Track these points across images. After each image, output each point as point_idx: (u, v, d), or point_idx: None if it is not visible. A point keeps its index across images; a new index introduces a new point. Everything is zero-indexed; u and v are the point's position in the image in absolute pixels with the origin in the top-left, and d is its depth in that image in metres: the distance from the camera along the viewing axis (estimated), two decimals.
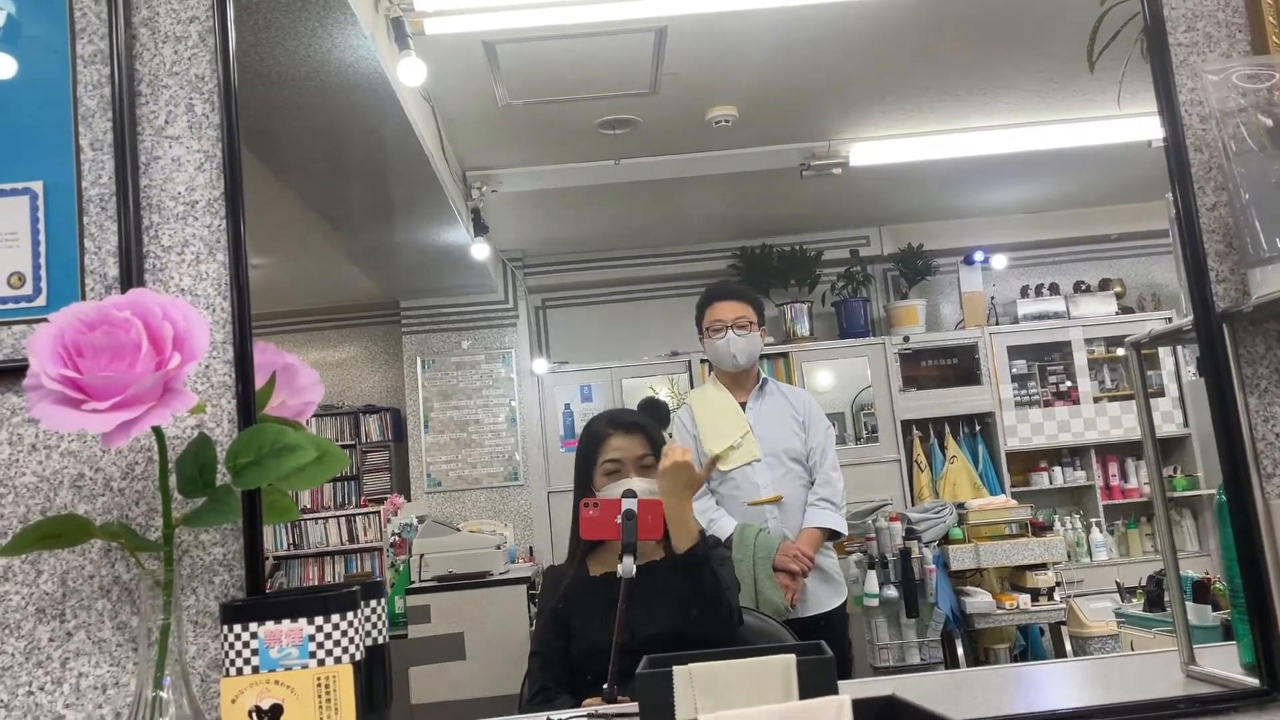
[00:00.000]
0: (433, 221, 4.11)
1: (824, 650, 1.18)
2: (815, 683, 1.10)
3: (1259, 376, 1.11)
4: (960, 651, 3.93)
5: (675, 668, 1.14)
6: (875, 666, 3.95)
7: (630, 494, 1.64)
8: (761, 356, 5.19)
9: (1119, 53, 1.43)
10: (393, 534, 4.56)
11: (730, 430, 2.86)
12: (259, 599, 1.00)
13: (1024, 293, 5.41)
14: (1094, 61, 1.59)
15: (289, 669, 0.91)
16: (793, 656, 1.12)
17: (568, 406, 5.22)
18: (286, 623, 0.92)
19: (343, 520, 5.43)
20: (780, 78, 3.56)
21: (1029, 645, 4.27)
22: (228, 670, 0.91)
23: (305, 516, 5.46)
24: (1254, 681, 1.07)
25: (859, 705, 0.91)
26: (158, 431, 0.95)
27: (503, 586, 4.05)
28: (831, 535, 2.86)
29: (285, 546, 5.40)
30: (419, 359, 5.41)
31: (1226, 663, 1.13)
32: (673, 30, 3.14)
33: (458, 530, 4.50)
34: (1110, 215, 4.92)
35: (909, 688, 1.45)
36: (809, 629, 2.65)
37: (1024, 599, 4.08)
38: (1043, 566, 4.13)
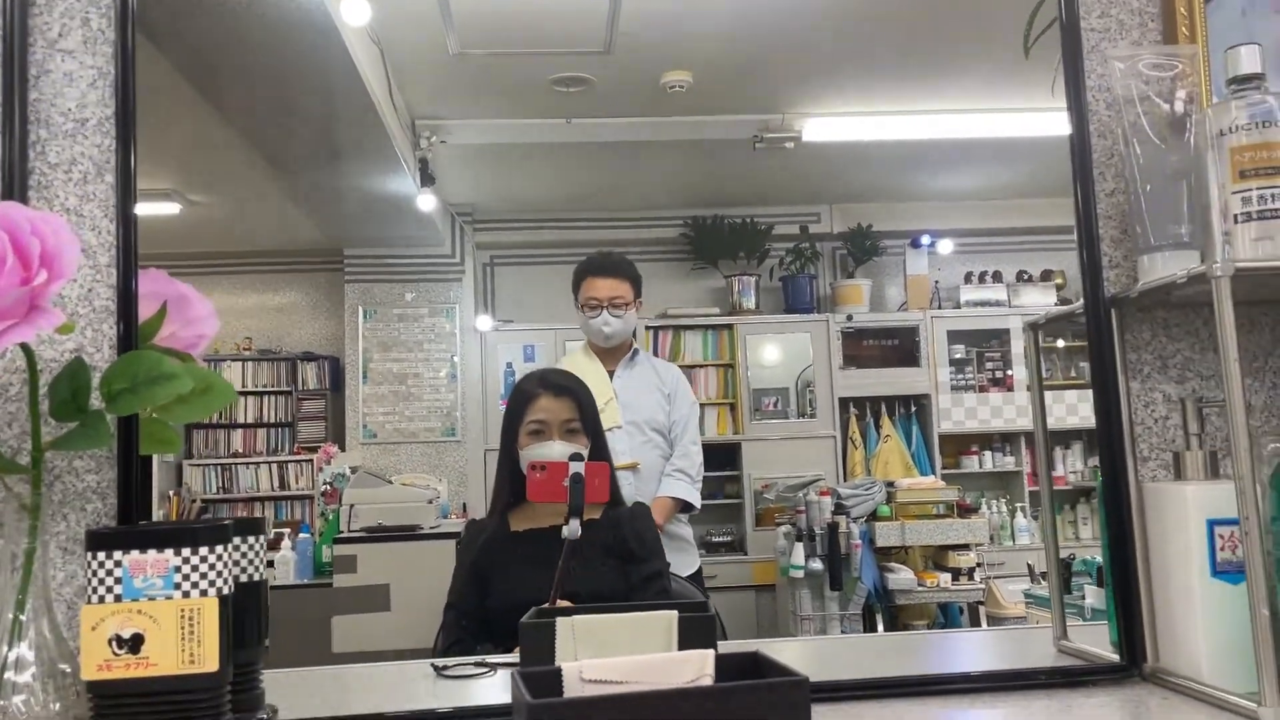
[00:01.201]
0: (378, 168, 4.05)
1: (707, 608, 1.20)
2: (695, 639, 1.11)
3: (1142, 362, 1.13)
4: (880, 626, 4.00)
5: (559, 619, 1.15)
6: (796, 637, 4.01)
7: (578, 457, 1.64)
8: (705, 327, 5.26)
9: (1055, 41, 1.44)
10: (324, 483, 4.51)
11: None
12: (126, 528, 0.98)
13: (967, 279, 5.48)
14: (1029, 47, 1.60)
15: (153, 599, 0.90)
16: (674, 613, 1.13)
17: (510, 365, 5.20)
18: (152, 553, 0.91)
19: (275, 466, 5.38)
20: (736, 46, 3.54)
21: (948, 623, 4.36)
22: (90, 598, 0.89)
23: (236, 460, 5.40)
24: (1116, 658, 1.10)
25: (724, 659, 0.92)
26: (28, 352, 0.93)
27: (432, 541, 4.03)
28: (685, 507, 2.89)
29: (215, 490, 5.34)
30: (361, 308, 5.35)
31: (1101, 640, 1.16)
32: None
33: (389, 483, 4.47)
34: (1055, 207, 4.88)
35: (791, 650, 1.48)
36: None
37: (945, 578, 4.16)
38: (965, 547, 4.21)
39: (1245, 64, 0.98)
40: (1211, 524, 1.01)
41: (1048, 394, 1.24)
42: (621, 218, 5.34)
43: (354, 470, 4.62)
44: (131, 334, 1.02)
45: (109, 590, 0.90)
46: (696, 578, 2.95)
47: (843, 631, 4.03)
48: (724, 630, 2.13)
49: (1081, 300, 1.11)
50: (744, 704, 0.83)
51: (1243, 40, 1.03)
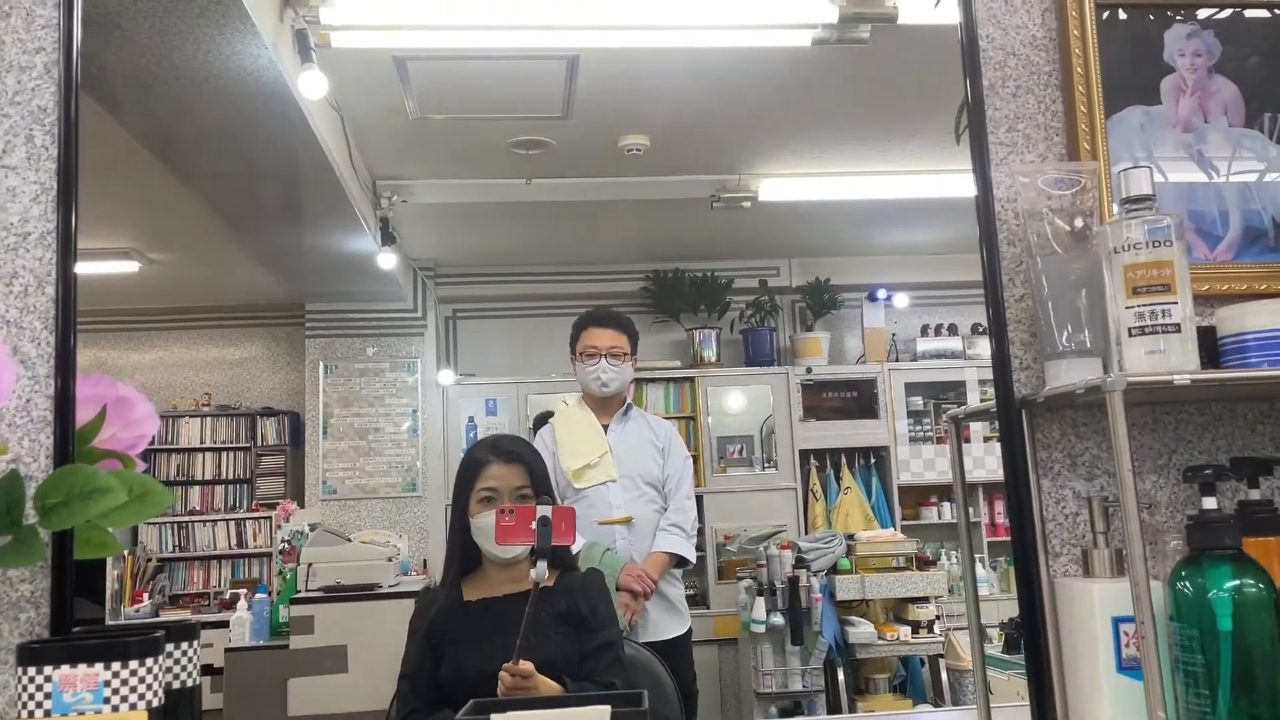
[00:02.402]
0: (339, 228, 4.08)
1: (641, 701, 1.22)
2: None
3: (1053, 460, 1.18)
4: (842, 680, 4.01)
5: (494, 716, 1.17)
6: (759, 693, 4.02)
7: (546, 501, 1.66)
8: (667, 380, 5.30)
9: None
10: (282, 541, 4.47)
11: (589, 449, 2.92)
12: (56, 642, 1.00)
13: (923, 331, 5.57)
14: (959, 135, 1.67)
15: (82, 714, 0.92)
16: (607, 708, 1.16)
17: (471, 419, 5.20)
18: (82, 667, 0.92)
19: (232, 524, 5.33)
20: (690, 111, 3.62)
21: (909, 675, 4.37)
22: (19, 713, 0.91)
23: (193, 518, 5.34)
24: None
25: None
26: None
27: (391, 600, 4.01)
28: (680, 562, 2.91)
29: (170, 549, 5.28)
30: (322, 363, 5.34)
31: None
32: (585, 59, 3.18)
33: (349, 540, 4.44)
34: None
35: None
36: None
37: (905, 631, 4.17)
38: (925, 600, 4.24)
39: (1136, 185, 1.04)
40: (1116, 621, 1.06)
41: (999, 445, 1.26)
42: (583, 272, 5.39)
43: (313, 527, 4.59)
44: (69, 442, 1.04)
45: (38, 705, 0.91)
46: (686, 639, 2.96)
47: (804, 686, 4.03)
48: (680, 693, 2.14)
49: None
50: None
51: (1142, 154, 1.09)
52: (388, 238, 4.19)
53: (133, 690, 0.93)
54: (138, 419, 1.20)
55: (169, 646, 1.04)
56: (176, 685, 1.03)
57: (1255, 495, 1.09)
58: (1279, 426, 1.21)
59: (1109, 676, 1.05)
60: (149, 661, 0.95)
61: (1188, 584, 0.99)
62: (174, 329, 5.56)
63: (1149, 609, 0.95)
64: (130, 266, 4.60)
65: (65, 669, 0.92)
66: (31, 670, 0.91)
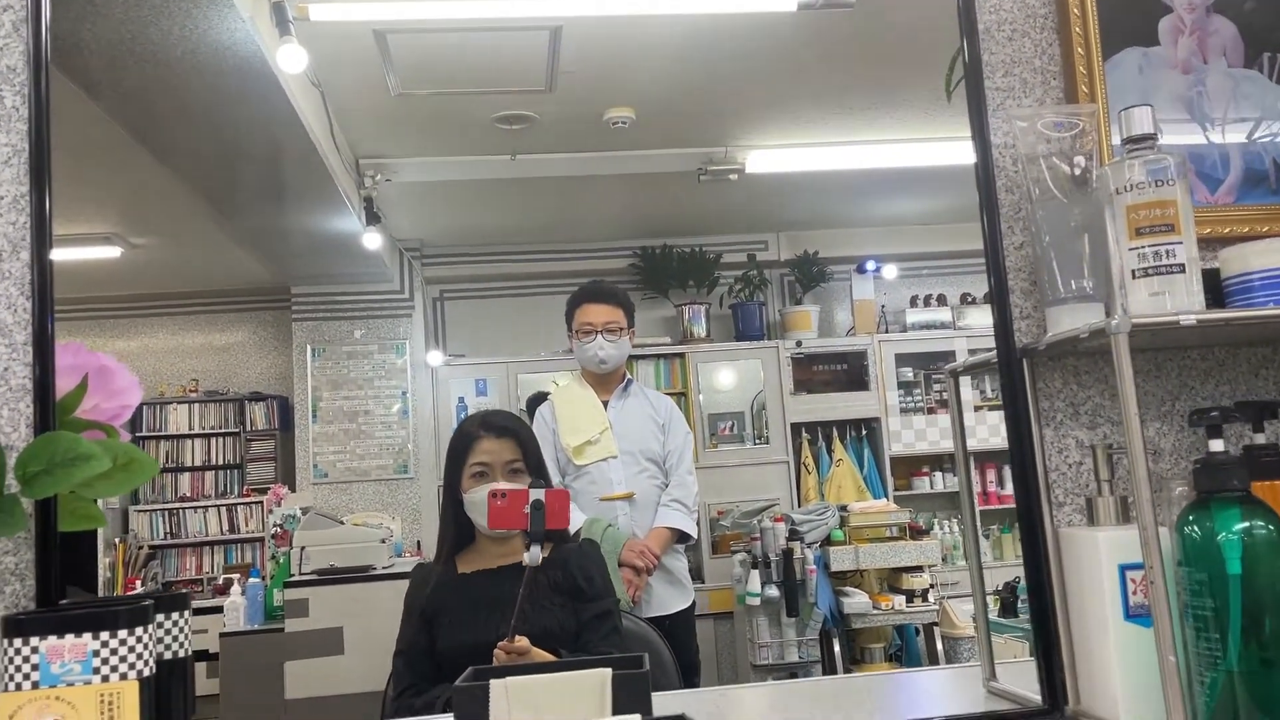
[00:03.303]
0: (322, 209, 4.04)
1: (642, 664, 1.21)
2: (629, 697, 1.12)
3: (1055, 410, 1.16)
4: (837, 650, 4.02)
5: (492, 681, 1.15)
6: (755, 665, 4.02)
7: (539, 484, 1.65)
8: (657, 356, 5.28)
9: None
10: (274, 525, 4.45)
11: (589, 426, 2.90)
12: (42, 613, 0.97)
13: (913, 302, 5.56)
14: (950, 92, 1.65)
15: (71, 684, 0.89)
16: (608, 671, 1.14)
17: (462, 400, 5.17)
18: (70, 638, 0.90)
19: (224, 510, 5.30)
20: (676, 83, 3.58)
21: (905, 644, 4.39)
22: (6, 685, 0.88)
23: (184, 505, 5.31)
24: (1038, 700, 1.13)
25: None
26: None
27: (385, 581, 3.99)
28: (681, 537, 2.90)
29: (162, 535, 5.25)
30: (309, 347, 5.30)
31: (1032, 677, 1.17)
32: (568, 30, 3.14)
33: (341, 523, 4.42)
34: None
35: (726, 700, 1.49)
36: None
37: (900, 600, 4.18)
38: (918, 569, 4.25)
39: (1137, 125, 1.02)
40: (1123, 569, 1.04)
41: (995, 414, 1.26)
42: (571, 249, 5.36)
43: (305, 511, 4.56)
44: (49, 412, 1.02)
45: (25, 677, 0.89)
46: (690, 612, 2.95)
47: (800, 657, 4.04)
48: (680, 665, 2.13)
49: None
50: None
51: (1140, 97, 1.07)
52: (372, 217, 4.15)
53: (122, 660, 0.91)
54: (120, 389, 1.18)
55: (159, 617, 1.01)
56: (168, 655, 1.01)
57: (1260, 439, 1.08)
58: None
59: (1116, 625, 1.04)
60: (138, 631, 0.92)
61: (1195, 528, 0.98)
62: (159, 315, 5.50)
63: (1157, 553, 0.94)
64: (112, 252, 4.55)
65: (52, 640, 0.90)
66: (18, 642, 0.89)
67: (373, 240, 4.28)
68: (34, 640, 0.89)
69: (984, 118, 1.10)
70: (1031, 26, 1.18)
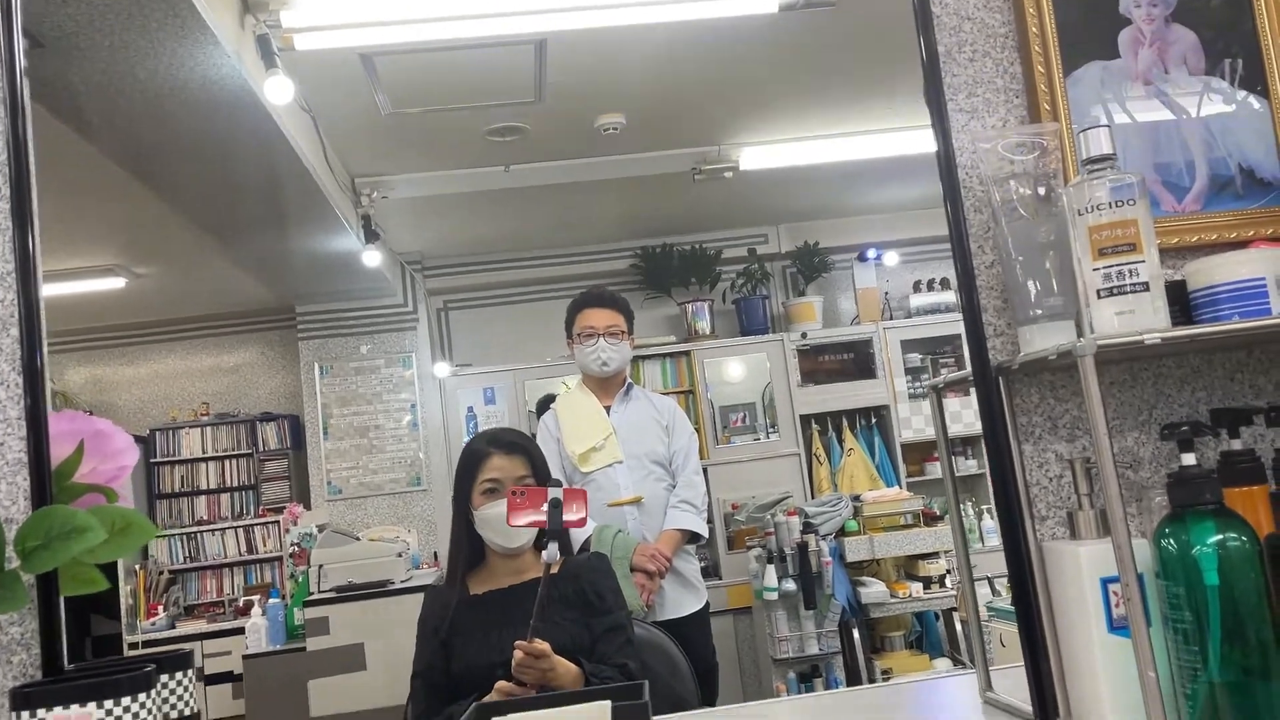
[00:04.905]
0: (321, 230, 4.07)
1: (641, 694, 1.23)
2: None
3: (1033, 425, 1.17)
4: (857, 640, 4.03)
5: (494, 718, 1.18)
6: (776, 659, 4.04)
7: (556, 483, 1.67)
8: (663, 355, 5.29)
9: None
10: (292, 544, 4.50)
11: (593, 433, 2.92)
12: (47, 683, 1.00)
13: (916, 287, 5.56)
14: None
15: None
16: (607, 704, 1.16)
17: (471, 410, 5.21)
18: (75, 708, 0.93)
19: (241, 531, 5.35)
20: (664, 86, 3.59)
21: (924, 630, 4.40)
22: None
23: (201, 528, 5.36)
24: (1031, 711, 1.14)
25: None
26: None
27: (404, 595, 4.03)
28: (692, 538, 2.91)
29: (182, 559, 5.30)
30: (317, 365, 5.34)
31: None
32: (553, 42, 3.16)
33: (357, 539, 4.46)
34: None
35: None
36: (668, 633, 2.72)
37: (917, 587, 4.19)
38: (934, 555, 4.25)
39: (1095, 146, 1.03)
40: (1105, 582, 1.06)
41: None
42: (571, 253, 5.38)
43: (321, 528, 4.61)
44: (45, 482, 1.04)
45: None
46: (704, 614, 2.97)
47: (820, 649, 4.06)
48: (696, 667, 2.15)
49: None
50: None
51: (1101, 113, 1.08)
52: (370, 235, 4.18)
53: None
54: (116, 450, 1.20)
55: (164, 677, 1.04)
56: (174, 715, 1.04)
57: (1237, 445, 1.09)
58: (1258, 374, 1.20)
59: (1101, 637, 1.05)
60: (141, 696, 0.95)
61: (1172, 541, 0.99)
62: (166, 341, 5.56)
63: (1132, 570, 0.95)
64: (116, 283, 4.60)
65: (59, 711, 0.92)
66: (25, 714, 0.92)
67: (372, 258, 4.31)
68: (40, 712, 0.92)
69: (949, 144, 1.11)
70: (992, 46, 1.19)
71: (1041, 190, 1.09)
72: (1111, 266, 1.01)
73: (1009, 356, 1.15)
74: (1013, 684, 1.22)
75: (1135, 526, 1.09)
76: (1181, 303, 1.07)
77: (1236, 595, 0.96)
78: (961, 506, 4.89)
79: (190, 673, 1.07)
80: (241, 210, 3.84)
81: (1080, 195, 1.03)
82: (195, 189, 3.55)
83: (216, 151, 3.18)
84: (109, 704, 0.93)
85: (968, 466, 5.35)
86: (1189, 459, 1.00)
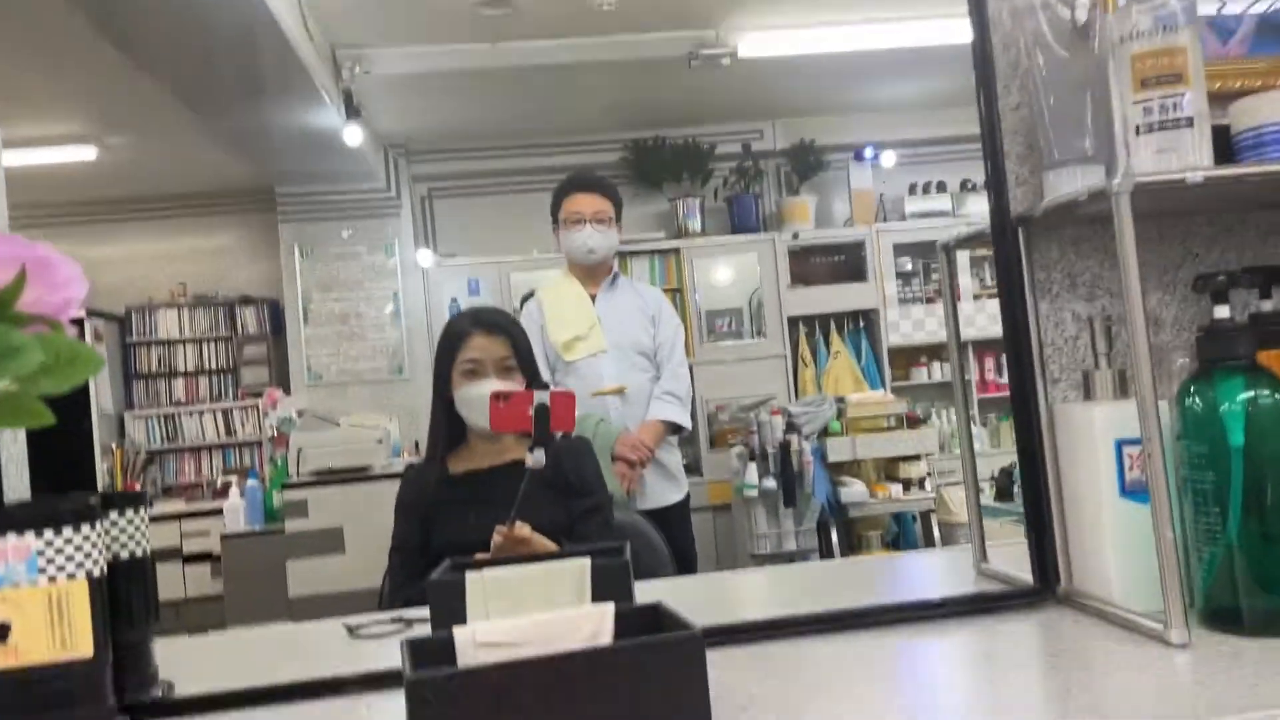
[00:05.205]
0: (300, 103, 3.90)
1: (622, 553, 1.18)
2: (609, 586, 1.09)
3: (1051, 281, 1.10)
4: (835, 539, 4.05)
5: (468, 574, 1.12)
6: (754, 554, 4.06)
7: (543, 386, 1.60)
8: (651, 253, 5.19)
9: None
10: (271, 428, 4.45)
11: (577, 321, 2.85)
12: None
13: (911, 190, 5.44)
14: None
15: (17, 586, 0.86)
16: (586, 561, 1.11)
17: (454, 300, 5.11)
18: (12, 537, 0.86)
19: (219, 414, 5.30)
20: None
21: (901, 531, 4.43)
22: None
23: (179, 409, 5.30)
24: (1031, 580, 1.09)
25: (625, 612, 0.89)
26: None
27: (384, 481, 4.00)
28: (675, 430, 2.88)
29: (159, 441, 5.25)
30: (297, 248, 5.21)
31: (1025, 559, 1.13)
32: None
33: (337, 425, 4.42)
34: None
35: (717, 586, 1.47)
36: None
37: (896, 489, 4.20)
38: (916, 458, 4.25)
39: None
40: (1120, 444, 1.00)
41: (994, 302, 1.20)
42: (560, 143, 5.22)
43: (301, 414, 4.56)
44: None
45: None
46: (684, 505, 2.95)
47: (798, 546, 4.07)
48: (675, 557, 2.12)
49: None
50: (637, 662, 0.81)
51: None
52: (352, 111, 4.02)
53: (69, 560, 0.87)
54: (63, 280, 1.10)
55: (114, 514, 0.97)
56: (125, 555, 0.97)
57: (1268, 306, 1.02)
58: None
59: (1112, 501, 1.00)
60: (85, 529, 0.88)
61: (1197, 399, 0.93)
62: (142, 219, 5.41)
63: (1156, 425, 0.89)
64: (88, 153, 4.44)
65: None
66: None
67: (354, 136, 4.15)
68: None
69: None
70: None
71: (1078, 17, 0.99)
72: (1154, 100, 0.92)
73: (1030, 206, 1.07)
74: (1002, 563, 1.18)
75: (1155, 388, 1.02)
76: (1224, 150, 0.99)
77: (1262, 457, 0.90)
78: (945, 413, 4.86)
79: (143, 512, 1.00)
80: (218, 80, 3.67)
81: (1124, 21, 0.94)
82: (168, 53, 3.38)
83: (192, 15, 3.01)
84: (49, 534, 0.86)
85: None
86: (1222, 312, 0.93)
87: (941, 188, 5.45)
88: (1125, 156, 0.95)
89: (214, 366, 5.39)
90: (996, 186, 1.04)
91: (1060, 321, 1.10)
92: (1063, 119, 1.01)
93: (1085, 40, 1.02)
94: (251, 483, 4.10)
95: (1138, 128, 0.94)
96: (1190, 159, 0.92)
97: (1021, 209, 1.07)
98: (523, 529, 1.59)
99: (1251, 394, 0.91)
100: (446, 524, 1.81)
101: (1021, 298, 1.05)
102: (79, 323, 1.08)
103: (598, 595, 1.08)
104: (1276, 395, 0.91)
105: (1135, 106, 0.93)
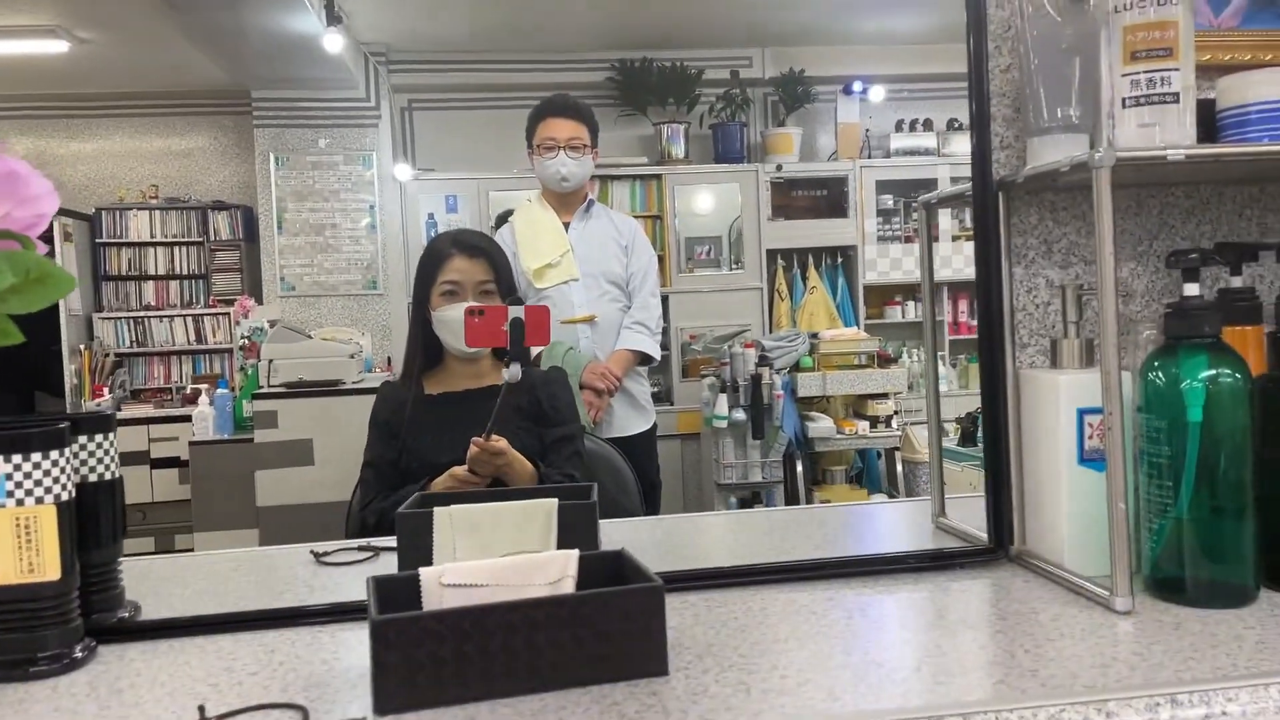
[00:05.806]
0: (280, 6, 3.78)
1: (589, 495, 1.19)
2: (576, 526, 1.11)
3: (1028, 247, 1.10)
4: (800, 471, 4.11)
5: (436, 509, 1.13)
6: (720, 484, 4.12)
7: (517, 301, 1.59)
8: (633, 178, 5.14)
9: None
10: (242, 337, 4.41)
11: (549, 249, 2.83)
12: None
13: (898, 127, 5.40)
14: None
15: None
16: (554, 501, 1.12)
17: (432, 216, 5.05)
18: None
19: (190, 319, 5.24)
20: None
21: (865, 468, 4.50)
22: None
23: (149, 314, 5.24)
24: (985, 538, 1.12)
25: (589, 559, 0.91)
26: None
27: (355, 395, 4.00)
28: (644, 360, 2.89)
29: (128, 344, 5.20)
30: (272, 155, 5.11)
31: (981, 514, 1.16)
32: None
33: (309, 337, 4.39)
34: None
35: (679, 528, 1.50)
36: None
37: (864, 426, 4.26)
38: (884, 396, 4.30)
39: None
40: (1081, 412, 1.02)
41: (966, 244, 1.21)
42: (546, 60, 5.11)
43: (272, 324, 4.52)
44: None
45: None
46: (650, 435, 2.97)
47: (764, 478, 4.14)
48: (641, 484, 2.15)
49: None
50: (599, 611, 0.83)
51: None
52: (333, 18, 3.91)
53: (38, 484, 0.87)
54: (34, 195, 1.09)
55: (82, 438, 0.97)
56: (93, 478, 0.98)
57: (1237, 282, 1.03)
58: (1268, 211, 1.13)
59: (1070, 468, 1.02)
60: (54, 454, 0.88)
61: (1160, 374, 0.95)
62: (115, 116, 5.27)
63: (1118, 397, 0.91)
64: (59, 46, 4.30)
65: None
66: None
67: (334, 42, 4.04)
68: None
69: None
70: None
71: None
72: (1142, 73, 0.92)
73: (1013, 171, 1.06)
74: (960, 516, 1.21)
75: (1120, 360, 1.04)
76: (1208, 124, 0.99)
77: (1218, 433, 0.93)
78: (916, 353, 4.90)
79: (111, 436, 1.00)
80: None
81: None
82: None
83: None
84: (17, 459, 0.86)
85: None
86: (1191, 289, 0.94)
87: (928, 125, 5.41)
88: (1109, 128, 0.94)
89: (185, 271, 5.31)
90: (981, 149, 1.04)
91: (1033, 287, 1.11)
92: (1051, 85, 1.00)
93: (1079, 5, 1.01)
94: (221, 391, 4.09)
95: (1124, 100, 0.93)
96: (1174, 135, 0.92)
97: (1004, 173, 1.07)
98: (499, 441, 1.61)
99: (1213, 372, 0.92)
100: (421, 443, 1.82)
101: (997, 262, 1.05)
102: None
103: (564, 535, 1.10)
104: (1236, 375, 0.92)
105: (1124, 79, 0.93)
